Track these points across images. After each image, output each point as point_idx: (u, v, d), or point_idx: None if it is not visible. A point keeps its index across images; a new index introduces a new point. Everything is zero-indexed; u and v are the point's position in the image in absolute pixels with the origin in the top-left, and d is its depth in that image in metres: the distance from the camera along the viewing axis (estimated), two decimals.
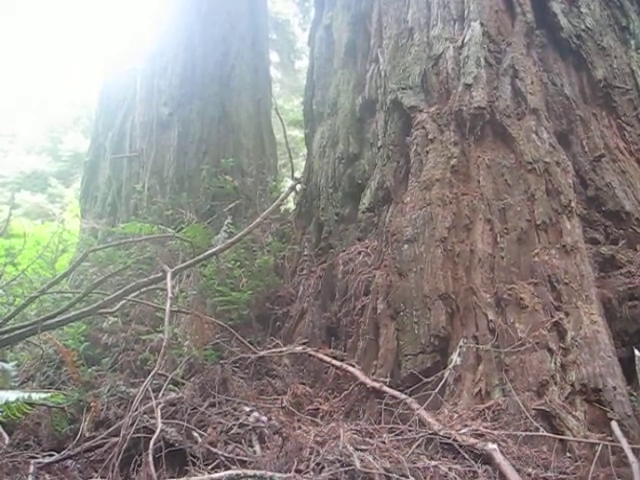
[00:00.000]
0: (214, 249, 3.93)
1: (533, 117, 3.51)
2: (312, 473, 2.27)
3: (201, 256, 3.77)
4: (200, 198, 5.85)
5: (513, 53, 3.71)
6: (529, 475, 2.27)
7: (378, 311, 3.35)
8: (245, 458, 2.51)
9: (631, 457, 2.29)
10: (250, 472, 2.06)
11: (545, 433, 2.54)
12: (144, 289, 3.57)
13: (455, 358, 2.96)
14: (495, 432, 2.53)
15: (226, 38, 6.99)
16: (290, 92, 14.25)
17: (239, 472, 2.09)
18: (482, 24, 3.80)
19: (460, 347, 2.98)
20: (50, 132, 15.82)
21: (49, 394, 2.81)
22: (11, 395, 2.41)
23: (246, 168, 6.46)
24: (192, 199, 5.79)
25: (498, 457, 2.30)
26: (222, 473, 2.10)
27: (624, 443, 2.37)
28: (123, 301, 3.41)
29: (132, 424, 2.56)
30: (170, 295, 2.96)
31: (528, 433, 2.55)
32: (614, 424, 2.51)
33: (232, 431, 2.77)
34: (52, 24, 16.58)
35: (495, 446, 2.35)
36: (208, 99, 6.63)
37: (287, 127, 6.76)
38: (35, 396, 2.52)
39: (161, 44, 6.79)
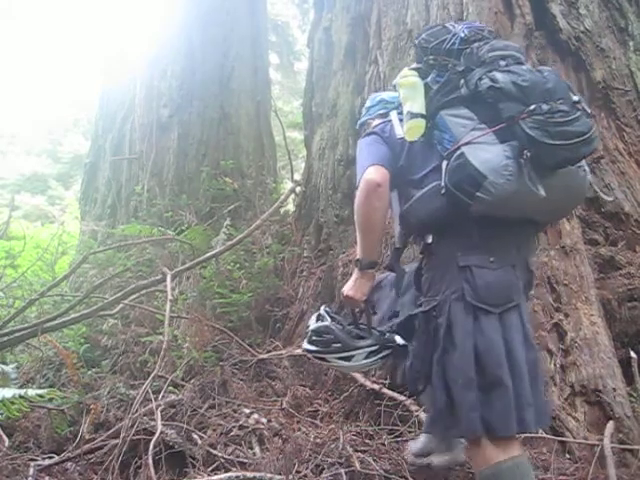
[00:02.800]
0: (214, 251, 3.93)
1: None
2: (312, 475, 2.27)
3: (201, 258, 3.77)
4: (200, 200, 5.85)
5: None
6: None
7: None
8: (245, 460, 2.51)
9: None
10: (249, 474, 2.06)
11: (544, 435, 2.54)
12: (144, 291, 3.57)
13: None
14: None
15: (226, 40, 6.99)
16: (290, 94, 14.26)
17: (238, 474, 2.09)
18: None
19: None
20: (50, 134, 15.82)
21: (45, 390, 2.81)
22: (7, 392, 2.41)
23: (246, 170, 6.45)
24: (192, 201, 5.79)
25: None
26: (221, 475, 2.11)
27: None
28: (122, 304, 3.41)
29: (132, 426, 2.56)
30: (170, 297, 2.96)
31: (527, 435, 2.55)
32: (611, 424, 2.52)
33: (232, 433, 2.77)
34: (52, 25, 16.60)
35: None
36: (208, 101, 6.63)
37: (287, 129, 6.78)
38: (31, 392, 2.52)
39: (160, 46, 6.79)
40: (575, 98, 1.84)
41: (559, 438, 2.53)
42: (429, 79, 2.00)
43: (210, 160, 6.28)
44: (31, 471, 2.48)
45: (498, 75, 1.84)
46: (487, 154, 1.77)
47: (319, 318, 2.07)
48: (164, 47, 6.77)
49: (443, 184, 1.84)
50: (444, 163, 1.87)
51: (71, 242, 6.57)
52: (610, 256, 3.30)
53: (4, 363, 3.23)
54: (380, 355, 2.02)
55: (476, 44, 1.97)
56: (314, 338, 2.02)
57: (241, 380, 3.42)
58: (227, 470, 2.38)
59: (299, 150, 9.93)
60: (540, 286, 3.03)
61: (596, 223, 3.48)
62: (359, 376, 3.16)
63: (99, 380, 3.52)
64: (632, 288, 3.11)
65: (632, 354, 2.75)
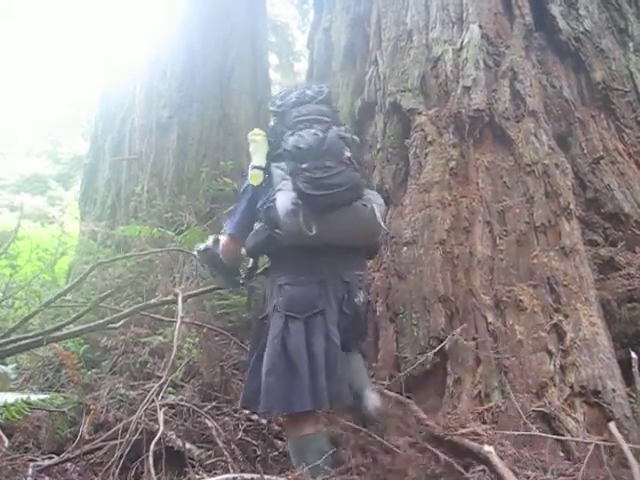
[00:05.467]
0: None
1: (532, 119, 3.52)
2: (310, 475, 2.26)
3: (213, 286, 3.77)
4: (199, 200, 5.84)
5: (512, 55, 3.72)
6: (527, 478, 2.27)
7: (377, 313, 3.35)
8: (245, 461, 2.51)
9: (631, 459, 2.29)
10: (247, 475, 2.06)
11: (543, 434, 2.54)
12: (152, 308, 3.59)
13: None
14: (493, 434, 2.54)
15: (226, 41, 6.98)
16: None
17: (235, 476, 2.09)
18: (481, 26, 3.81)
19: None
20: (49, 134, 15.81)
21: (48, 396, 2.81)
22: (10, 397, 2.41)
23: (245, 170, 6.44)
24: (191, 201, 5.78)
25: (494, 459, 2.30)
26: (220, 477, 2.10)
27: (624, 445, 2.37)
28: (131, 316, 3.41)
29: (135, 429, 2.55)
30: (181, 315, 3.04)
31: (526, 433, 2.56)
32: (612, 426, 2.52)
33: (233, 433, 2.77)
34: (52, 25, 16.59)
35: (491, 448, 2.35)
36: (208, 102, 6.62)
37: None
38: (34, 397, 2.52)
39: (160, 47, 6.79)
40: (346, 155, 2.39)
41: (556, 437, 2.54)
42: (271, 137, 2.57)
43: (210, 161, 6.27)
44: (30, 471, 2.48)
45: (290, 139, 2.41)
46: (284, 199, 2.31)
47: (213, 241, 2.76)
48: (164, 48, 6.76)
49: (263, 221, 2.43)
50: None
51: (70, 242, 6.57)
52: (610, 257, 3.31)
53: (3, 363, 3.23)
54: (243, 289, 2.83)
55: (293, 109, 2.53)
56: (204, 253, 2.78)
57: (241, 380, 3.42)
58: (226, 471, 2.38)
59: None
60: (539, 287, 3.04)
61: (596, 224, 3.48)
62: None
63: (99, 381, 3.52)
64: (632, 289, 3.12)
65: (633, 355, 2.75)
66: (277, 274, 2.44)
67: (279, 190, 2.35)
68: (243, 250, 2.70)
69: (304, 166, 2.31)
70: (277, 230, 2.33)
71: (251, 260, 2.67)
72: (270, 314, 2.40)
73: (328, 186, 2.30)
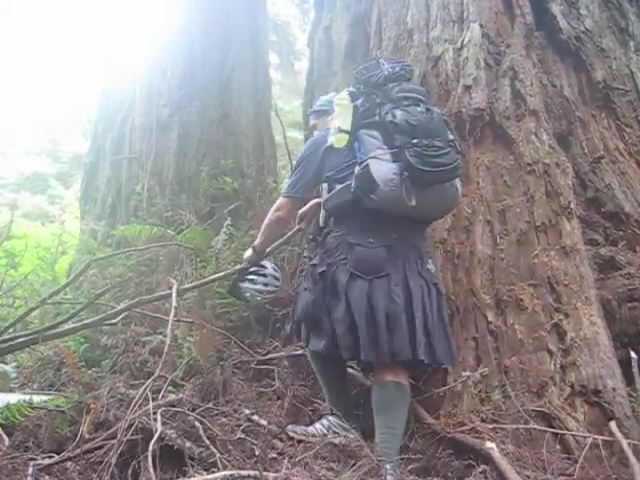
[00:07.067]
0: (222, 273, 3.81)
1: (532, 119, 3.52)
2: (309, 474, 2.27)
3: (209, 279, 3.76)
4: (200, 200, 5.83)
5: (512, 55, 3.72)
6: (528, 477, 2.27)
7: None
8: (245, 460, 2.51)
9: (631, 458, 2.29)
10: (244, 472, 2.08)
11: (543, 428, 2.55)
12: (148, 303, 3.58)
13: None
14: (494, 433, 2.54)
15: (226, 40, 6.97)
16: (290, 93, 14.24)
17: (233, 472, 2.11)
18: (481, 25, 3.80)
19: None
20: (49, 134, 15.79)
21: (50, 397, 2.80)
22: (12, 397, 2.41)
23: (246, 169, 6.44)
24: (192, 201, 5.78)
25: (496, 456, 2.30)
26: (217, 474, 2.11)
27: (624, 444, 2.38)
28: (126, 312, 3.40)
29: (129, 427, 2.54)
30: (174, 304, 3.05)
31: (525, 426, 2.56)
32: (613, 424, 2.52)
33: (232, 433, 2.77)
34: (52, 25, 16.58)
35: (493, 445, 2.36)
36: (208, 101, 6.61)
37: (287, 128, 6.73)
38: (36, 399, 2.51)
39: (160, 47, 6.78)
40: (450, 137, 2.54)
41: (557, 431, 2.54)
42: (358, 102, 2.65)
43: (210, 160, 6.27)
44: (30, 470, 2.47)
45: (398, 112, 2.49)
46: (383, 168, 2.42)
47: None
48: (164, 48, 6.76)
49: (353, 184, 2.51)
50: (356, 168, 2.51)
51: (71, 241, 6.57)
52: (610, 256, 3.30)
53: (4, 362, 3.23)
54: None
55: (392, 84, 2.61)
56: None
57: (241, 380, 3.42)
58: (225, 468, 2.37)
59: (299, 150, 9.89)
60: (540, 286, 3.04)
61: (596, 223, 3.48)
62: (359, 376, 3.16)
63: (99, 380, 3.52)
64: (632, 288, 3.11)
65: (632, 354, 2.75)
66: (347, 231, 2.58)
67: (373, 158, 2.46)
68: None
69: (415, 141, 2.41)
70: (372, 195, 2.42)
71: (329, 219, 2.73)
72: (334, 265, 2.57)
73: (436, 164, 2.41)
